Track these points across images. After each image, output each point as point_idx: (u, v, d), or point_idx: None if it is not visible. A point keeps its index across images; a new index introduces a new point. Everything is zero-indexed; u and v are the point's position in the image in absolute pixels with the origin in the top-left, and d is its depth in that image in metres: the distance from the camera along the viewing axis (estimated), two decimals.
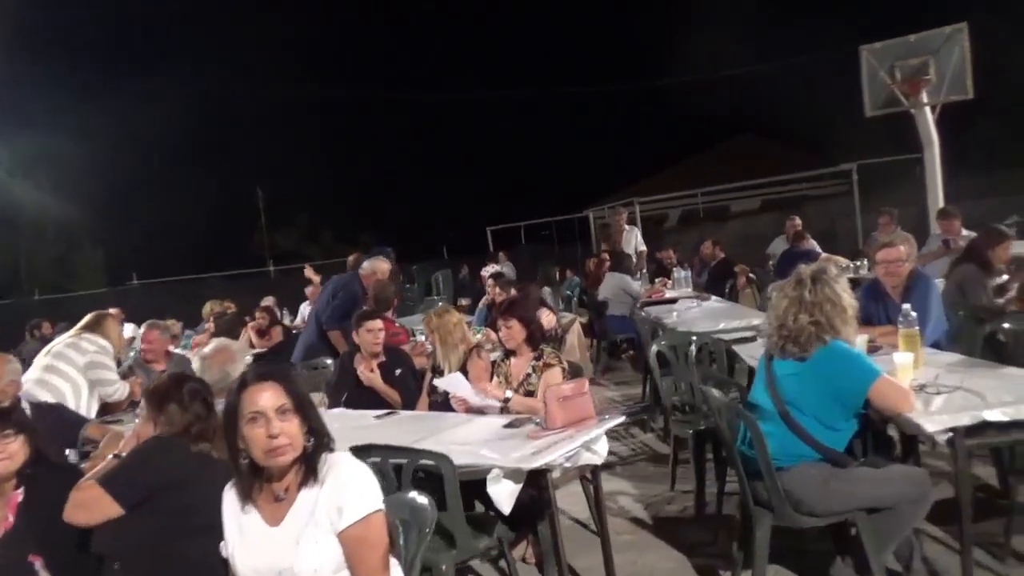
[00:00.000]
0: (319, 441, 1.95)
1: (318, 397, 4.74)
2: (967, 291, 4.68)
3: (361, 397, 4.44)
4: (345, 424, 3.72)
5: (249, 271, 18.84)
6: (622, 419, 3.27)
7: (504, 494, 2.71)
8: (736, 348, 4.38)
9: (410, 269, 14.88)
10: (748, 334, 5.43)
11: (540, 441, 2.96)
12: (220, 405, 3.05)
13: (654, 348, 4.46)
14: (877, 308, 4.12)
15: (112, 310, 4.73)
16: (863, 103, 9.86)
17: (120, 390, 4.44)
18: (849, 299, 2.86)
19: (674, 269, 8.79)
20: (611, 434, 5.88)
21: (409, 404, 4.37)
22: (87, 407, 4.31)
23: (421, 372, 4.68)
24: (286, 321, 10.44)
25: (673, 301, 7.93)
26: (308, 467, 1.94)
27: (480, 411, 3.62)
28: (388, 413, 3.91)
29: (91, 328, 4.54)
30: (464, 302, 10.82)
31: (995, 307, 4.50)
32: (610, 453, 5.42)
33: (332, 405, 4.54)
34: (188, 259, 18.80)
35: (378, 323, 4.54)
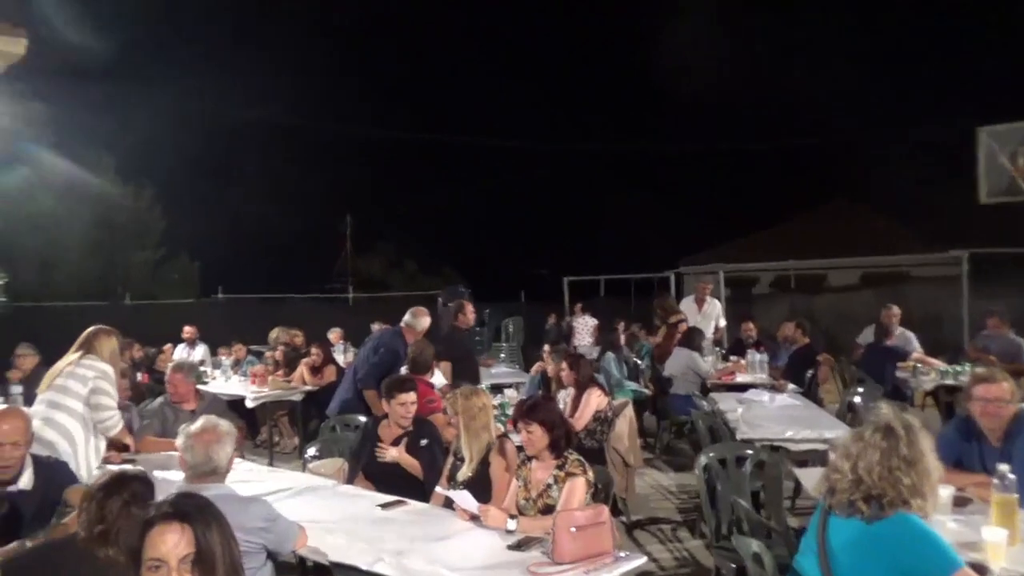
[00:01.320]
0: None
1: (338, 464, 4.50)
2: None
3: (381, 465, 4.17)
4: (345, 512, 3.44)
5: (330, 296, 19.13)
6: (643, 560, 2.82)
7: None
8: (800, 474, 3.83)
9: (482, 312, 14.68)
10: (820, 447, 4.85)
11: None
12: (202, 488, 2.84)
13: (702, 460, 3.97)
14: (970, 449, 3.51)
15: (104, 327, 4.47)
16: (977, 186, 9.05)
17: (114, 421, 4.23)
18: (937, 465, 2.38)
19: (749, 351, 8.16)
20: (655, 534, 5.46)
21: (430, 481, 4.08)
22: (95, 447, 4.18)
23: (447, 445, 4.37)
24: (350, 355, 10.37)
25: (744, 388, 7.34)
26: None
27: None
28: (396, 503, 3.58)
29: (86, 349, 4.30)
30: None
31: None
32: (650, 558, 5.02)
33: (352, 470, 4.29)
34: (272, 278, 19.32)
35: (411, 396, 4.28)
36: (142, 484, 2.33)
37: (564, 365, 5.75)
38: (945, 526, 2.97)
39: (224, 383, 8.50)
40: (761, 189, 31.84)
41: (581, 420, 5.46)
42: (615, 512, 5.64)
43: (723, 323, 9.71)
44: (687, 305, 10.09)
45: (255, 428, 8.45)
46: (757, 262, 17.24)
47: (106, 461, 4.38)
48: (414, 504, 3.58)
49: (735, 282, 21.56)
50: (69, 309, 14.50)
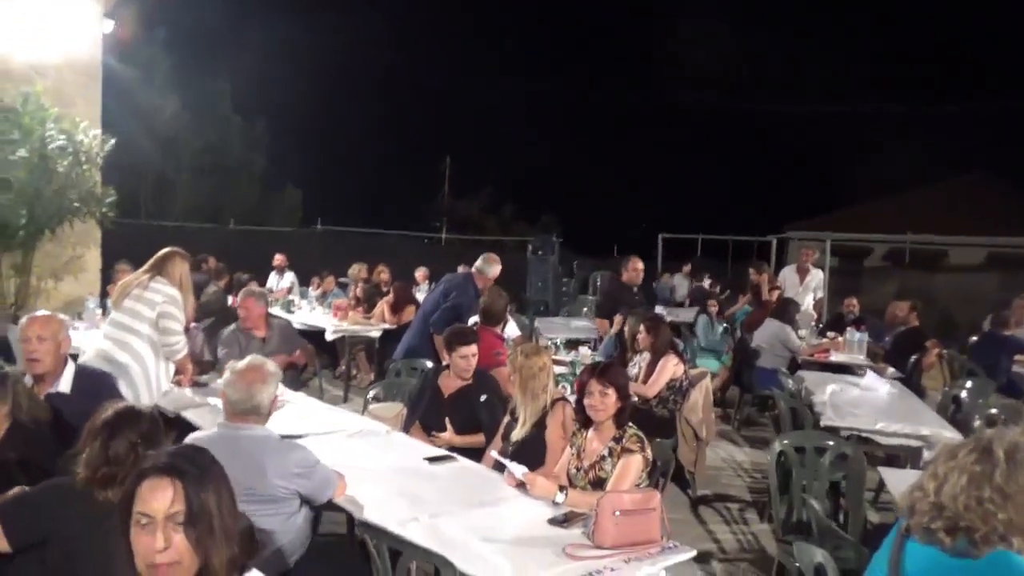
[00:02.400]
0: (214, 570, 1.52)
1: (397, 410, 4.45)
2: None
3: (438, 416, 4.08)
4: (392, 463, 3.36)
5: (424, 235, 19.32)
6: (690, 554, 2.59)
7: None
8: (886, 473, 3.47)
9: (571, 263, 14.45)
10: (914, 443, 4.42)
11: (576, 564, 2.38)
12: (243, 429, 2.80)
13: (776, 446, 3.66)
14: None
15: (178, 249, 4.44)
16: None
17: (180, 346, 4.25)
18: None
19: (848, 329, 7.59)
20: (720, 512, 5.20)
21: (489, 436, 3.96)
22: (165, 369, 4.25)
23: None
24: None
25: (838, 367, 6.85)
26: None
27: None
28: (444, 458, 3.47)
29: (157, 270, 4.29)
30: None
31: None
32: (712, 538, 4.78)
33: (409, 418, 4.23)
34: (371, 214, 19.66)
35: (472, 348, 4.14)
36: (151, 424, 2.26)
37: (642, 328, 5.47)
38: None
39: (309, 313, 8.68)
40: (887, 155, 29.58)
41: (654, 387, 5.20)
42: (682, 486, 5.42)
43: (822, 295, 9.09)
44: (788, 273, 9.51)
45: (335, 359, 8.61)
46: (870, 232, 16.08)
47: (177, 384, 4.49)
48: (463, 462, 3.46)
49: (845, 252, 20.35)
50: (179, 230, 15.21)
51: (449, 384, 4.19)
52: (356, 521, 2.74)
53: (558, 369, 5.65)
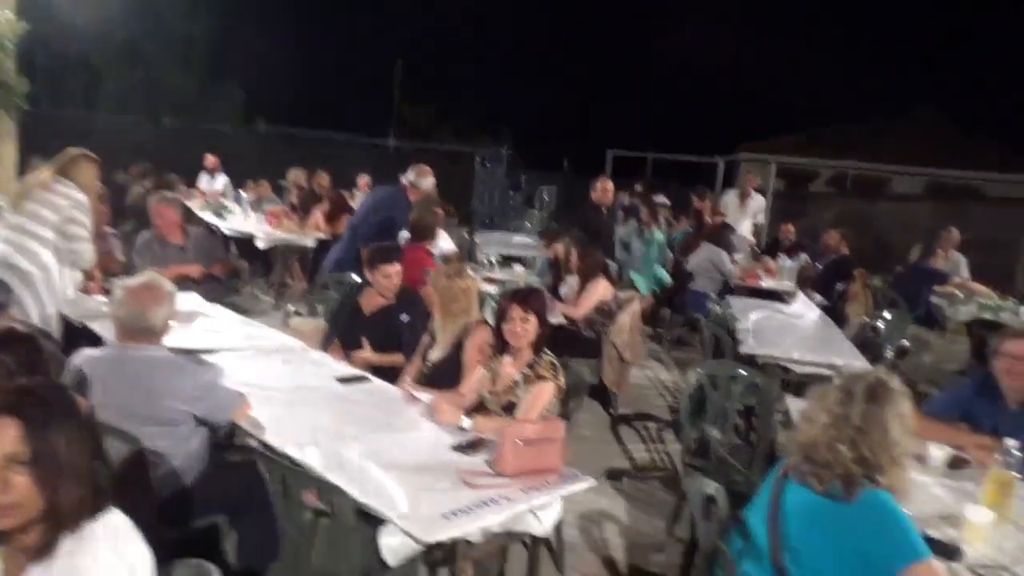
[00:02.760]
0: (61, 512, 1.44)
1: (319, 324, 4.36)
2: None
3: (358, 334, 4.00)
4: (301, 382, 3.30)
5: (372, 141, 18.68)
6: (588, 484, 2.62)
7: (395, 550, 2.18)
8: (791, 402, 3.56)
9: (518, 175, 14.22)
10: (825, 372, 4.54)
11: (473, 493, 2.38)
12: (133, 349, 2.67)
13: (692, 377, 3.71)
14: (984, 407, 3.17)
15: (86, 152, 4.13)
16: None
17: (88, 254, 4.03)
18: (905, 436, 2.03)
19: (780, 256, 7.70)
20: (639, 431, 5.34)
21: (409, 356, 3.92)
22: (70, 277, 4.05)
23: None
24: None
25: (768, 293, 6.98)
26: (44, 539, 1.45)
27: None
28: (357, 378, 3.42)
29: (62, 172, 4.03)
30: None
31: None
32: (627, 456, 4.92)
33: (328, 336, 4.15)
34: (317, 116, 18.82)
35: (395, 267, 4.04)
36: (31, 349, 2.13)
37: (573, 251, 5.44)
38: (930, 490, 2.71)
39: (241, 220, 8.40)
40: (840, 83, 29.52)
41: (581, 309, 5.21)
42: (605, 405, 5.53)
43: (762, 220, 9.17)
44: (730, 198, 9.56)
45: (269, 268, 8.40)
46: (816, 157, 16.20)
47: (85, 291, 4.31)
48: (376, 383, 3.42)
49: (791, 176, 20.52)
50: (108, 124, 14.39)
51: (371, 302, 4.10)
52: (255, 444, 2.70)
53: (490, 288, 5.63)
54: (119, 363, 2.55)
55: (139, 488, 2.53)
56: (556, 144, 19.27)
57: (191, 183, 10.13)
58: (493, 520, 2.28)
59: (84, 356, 2.61)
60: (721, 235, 7.25)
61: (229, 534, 2.82)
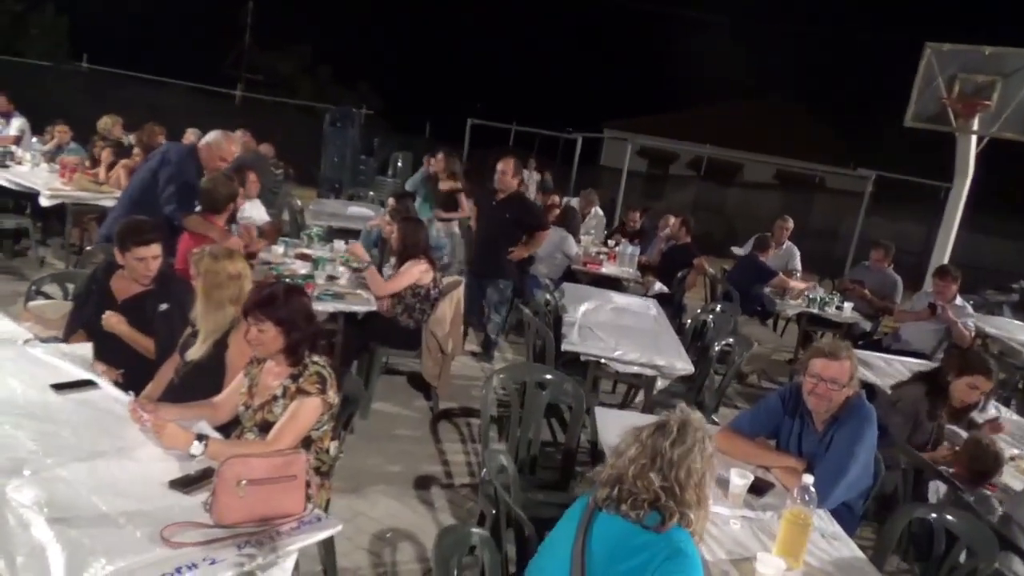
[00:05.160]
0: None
1: (64, 310, 3.62)
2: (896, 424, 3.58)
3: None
4: (5, 388, 2.62)
5: (216, 90, 17.15)
6: (334, 530, 2.16)
7: None
8: (599, 413, 3.24)
9: (371, 139, 13.42)
10: (648, 372, 4.32)
11: (168, 553, 1.86)
12: None
13: (495, 381, 3.32)
14: (790, 425, 2.99)
15: None
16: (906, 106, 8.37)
17: None
18: (708, 478, 1.92)
19: (622, 242, 7.54)
20: (460, 428, 4.96)
21: (161, 356, 3.29)
22: None
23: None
24: None
25: (608, 281, 6.78)
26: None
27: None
28: (77, 384, 2.77)
29: None
30: None
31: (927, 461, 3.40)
32: (442, 459, 4.50)
33: (71, 321, 3.43)
34: (154, 57, 17.04)
35: (152, 249, 3.36)
36: None
37: (395, 226, 4.93)
38: (727, 525, 2.45)
39: (27, 170, 7.22)
40: (704, 67, 30.31)
41: (386, 287, 4.70)
42: (427, 398, 5.11)
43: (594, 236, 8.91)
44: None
45: (63, 224, 7.28)
46: (676, 139, 16.47)
47: None
48: (103, 390, 2.77)
49: (654, 157, 20.88)
50: None
51: (123, 287, 3.41)
52: None
53: (301, 268, 5.03)
54: None
55: None
56: (418, 109, 18.55)
57: None
58: None
59: None
60: (569, 218, 6.97)
61: None
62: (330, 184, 12.41)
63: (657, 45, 32.75)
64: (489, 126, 14.34)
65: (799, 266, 7.74)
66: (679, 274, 7.13)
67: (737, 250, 8.19)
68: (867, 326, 6.83)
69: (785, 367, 6.92)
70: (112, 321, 3.25)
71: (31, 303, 3.69)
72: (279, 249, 5.33)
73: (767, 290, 6.87)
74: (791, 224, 7.96)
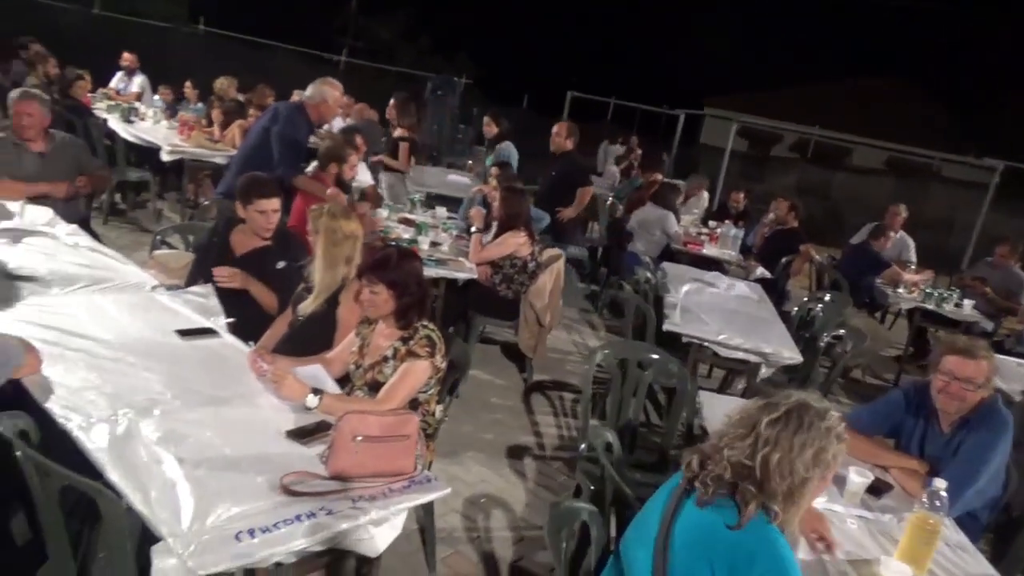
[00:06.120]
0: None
1: (186, 259, 3.78)
2: None
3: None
4: (130, 332, 2.75)
5: (322, 55, 17.53)
6: (442, 492, 2.18)
7: None
8: (705, 397, 3.15)
9: (470, 109, 13.44)
10: (753, 359, 4.17)
11: (288, 504, 1.91)
12: None
13: (598, 357, 3.27)
14: (912, 425, 2.82)
15: None
16: None
17: None
18: (810, 474, 1.65)
19: (725, 223, 7.29)
20: (552, 400, 4.94)
21: (278, 311, 3.39)
22: None
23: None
24: None
25: (708, 262, 6.58)
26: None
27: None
28: (200, 331, 2.88)
29: None
30: None
31: None
32: (535, 431, 4.51)
33: (193, 272, 3.57)
34: (266, 22, 17.54)
35: (273, 203, 3.46)
36: None
37: (498, 195, 4.91)
38: (844, 524, 2.33)
39: (149, 126, 7.59)
40: (809, 43, 28.76)
41: (484, 255, 4.73)
42: (521, 369, 5.11)
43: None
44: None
45: (179, 179, 7.62)
46: (780, 120, 15.77)
47: None
48: (224, 339, 2.89)
49: (755, 137, 20.12)
50: (30, 5, 13.05)
51: (243, 241, 3.53)
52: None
53: (404, 233, 5.09)
54: None
55: None
56: (517, 80, 18.42)
57: (105, 83, 9.21)
58: (304, 543, 1.81)
59: None
60: (665, 196, 6.79)
61: (18, 512, 2.31)
62: (428, 152, 12.52)
63: (762, 18, 31.30)
64: (588, 99, 14.12)
65: (914, 257, 7.31)
66: (783, 260, 6.85)
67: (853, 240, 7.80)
68: (988, 326, 6.39)
69: (893, 364, 6.59)
70: (226, 274, 3.33)
71: (156, 252, 3.87)
72: (383, 213, 5.41)
73: (878, 281, 6.53)
74: (905, 212, 7.52)
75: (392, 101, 7.57)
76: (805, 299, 5.65)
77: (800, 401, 1.70)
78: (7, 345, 2.20)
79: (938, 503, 2.12)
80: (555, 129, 6.44)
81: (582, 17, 35.06)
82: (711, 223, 7.82)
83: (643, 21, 33.56)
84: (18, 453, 1.81)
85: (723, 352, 4.18)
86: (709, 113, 16.86)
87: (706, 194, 9.17)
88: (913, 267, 6.96)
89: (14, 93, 4.27)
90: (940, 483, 2.16)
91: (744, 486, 1.64)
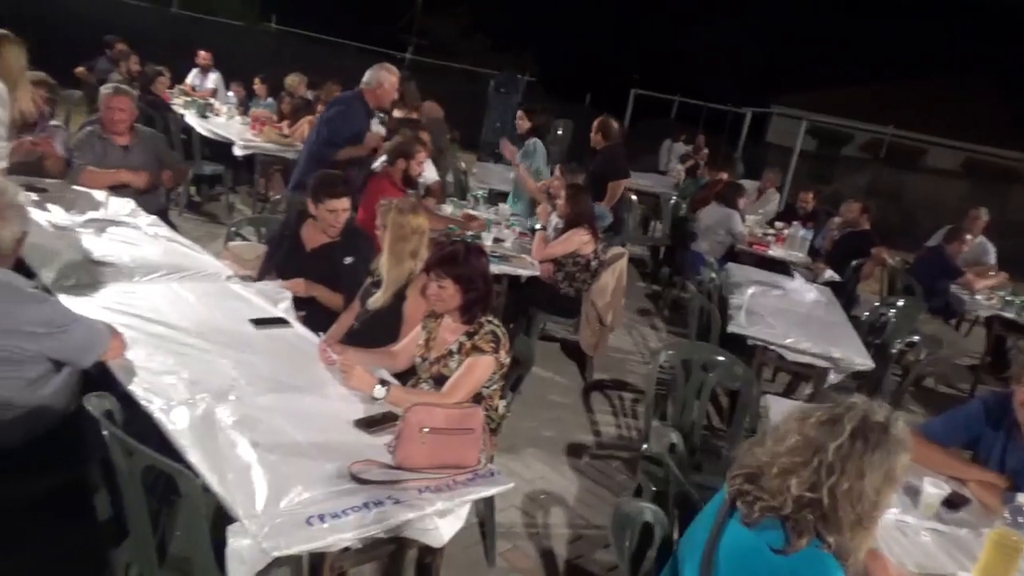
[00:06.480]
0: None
1: (258, 252, 3.89)
2: None
3: (296, 270, 3.53)
4: (206, 320, 2.85)
5: (386, 52, 17.78)
6: (506, 487, 2.19)
7: (242, 556, 1.76)
8: (771, 402, 3.09)
9: (535, 108, 13.44)
10: (822, 364, 4.07)
11: (356, 491, 1.95)
12: None
13: (662, 357, 3.23)
14: (992, 438, 2.70)
15: (8, 34, 3.45)
16: None
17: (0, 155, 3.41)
18: (883, 496, 1.55)
19: (794, 224, 7.11)
20: (612, 400, 4.91)
21: (345, 305, 3.47)
22: None
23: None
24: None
25: (774, 264, 6.44)
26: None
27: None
28: (273, 321, 2.97)
29: None
30: None
31: None
32: (593, 430, 4.49)
33: (264, 265, 3.67)
34: (334, 19, 17.90)
35: (343, 203, 3.53)
36: None
37: (564, 193, 4.90)
38: (917, 537, 2.26)
39: (223, 121, 7.84)
40: (882, 40, 27.71)
41: (548, 251, 4.74)
42: (581, 368, 5.09)
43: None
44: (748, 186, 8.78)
45: (251, 173, 7.84)
46: (851, 119, 15.27)
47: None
48: (295, 329, 2.97)
49: (824, 136, 19.56)
50: (110, 3, 13.61)
51: (313, 236, 3.61)
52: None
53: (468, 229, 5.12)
54: None
55: None
56: (580, 77, 18.32)
57: (181, 79, 9.54)
58: (371, 529, 1.85)
59: None
60: (731, 195, 6.66)
61: (101, 489, 2.43)
62: (490, 148, 12.57)
63: (833, 14, 30.31)
64: (652, 97, 13.97)
65: (994, 262, 7.01)
66: (853, 263, 6.65)
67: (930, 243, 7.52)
68: None
69: (968, 373, 6.33)
70: (290, 285, 3.39)
71: (230, 243, 3.99)
72: (447, 209, 5.47)
73: (953, 287, 6.28)
74: (986, 216, 7.21)
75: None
76: (876, 304, 5.47)
77: (862, 415, 1.57)
78: (95, 329, 2.31)
79: (1021, 519, 2.03)
80: (594, 124, 6.64)
81: (646, 14, 34.65)
82: (777, 224, 7.65)
83: (708, 17, 32.93)
84: (105, 432, 1.90)
85: (790, 356, 4.08)
86: (777, 111, 16.47)
87: (775, 192, 8.97)
88: (994, 274, 6.68)
89: (106, 88, 4.46)
90: (1023, 498, 2.07)
91: (802, 515, 1.52)
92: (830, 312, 4.80)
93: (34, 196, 3.64)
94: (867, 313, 5.27)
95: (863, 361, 3.97)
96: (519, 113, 7.40)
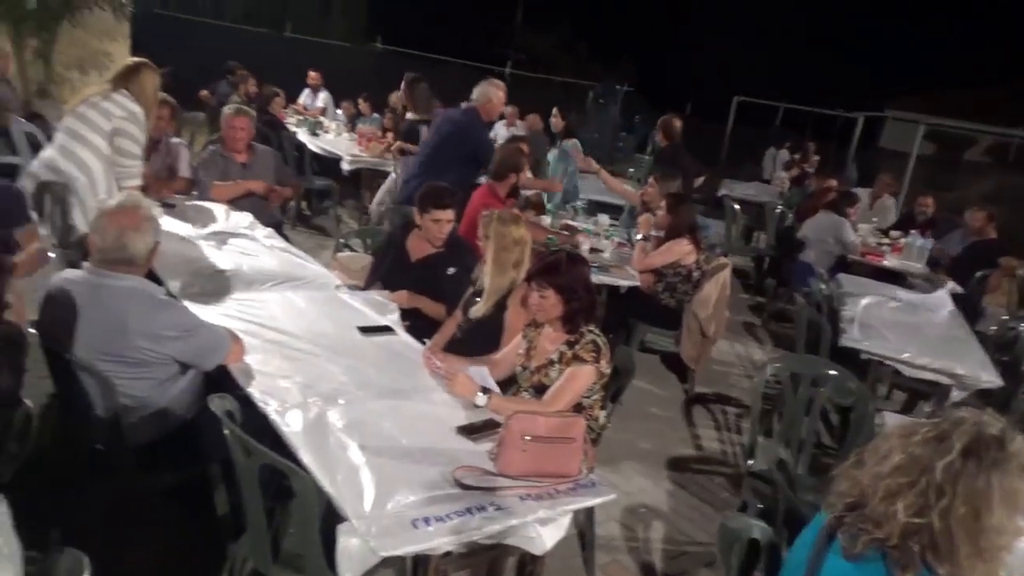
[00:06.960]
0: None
1: (366, 261, 4.03)
2: None
3: (401, 280, 3.64)
4: (316, 327, 2.97)
5: (487, 67, 18.11)
6: (608, 497, 2.17)
7: (351, 555, 1.82)
8: (889, 419, 2.92)
9: (631, 116, 13.35)
10: (944, 380, 3.82)
11: (457, 494, 1.98)
12: (107, 276, 2.37)
13: (768, 370, 3.12)
14: None
15: (148, 62, 3.85)
16: None
17: (134, 171, 3.75)
18: (1007, 522, 1.38)
19: (912, 232, 6.73)
20: (715, 414, 4.78)
21: (448, 314, 3.54)
22: (112, 189, 3.83)
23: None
24: None
25: (891, 275, 6.12)
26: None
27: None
28: (380, 329, 3.06)
29: (122, 82, 3.75)
30: None
31: None
32: (695, 444, 4.38)
33: (371, 275, 3.80)
34: (436, 37, 18.41)
35: (448, 213, 3.61)
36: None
37: (663, 203, 4.83)
38: None
39: (332, 138, 8.18)
40: (1006, 36, 25.88)
41: (649, 261, 4.69)
42: (682, 379, 4.99)
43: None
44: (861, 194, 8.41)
45: (356, 187, 8.14)
46: (973, 121, 14.31)
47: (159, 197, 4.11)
48: (400, 337, 3.05)
49: (944, 140, 18.42)
50: (229, 32, 14.51)
51: (417, 247, 3.71)
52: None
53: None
54: (94, 289, 2.29)
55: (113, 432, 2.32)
56: (680, 86, 18.05)
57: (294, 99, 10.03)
58: (475, 534, 1.87)
59: (62, 277, 2.37)
60: (841, 204, 6.38)
61: (220, 486, 2.57)
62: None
63: (948, 11, 28.61)
64: (755, 103, 13.58)
65: None
66: (978, 274, 6.22)
67: None
68: None
69: None
70: (393, 297, 3.48)
71: (339, 254, 4.16)
72: (546, 219, 5.49)
73: None
74: None
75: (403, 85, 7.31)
76: (1004, 318, 5.10)
77: (974, 430, 1.42)
78: (218, 334, 2.45)
79: None
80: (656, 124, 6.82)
81: (747, 21, 33.83)
82: (893, 233, 7.26)
83: (814, 21, 31.80)
84: (226, 432, 2.01)
85: (908, 372, 3.86)
86: (892, 115, 15.65)
87: (890, 198, 8.53)
88: None
89: (228, 109, 4.76)
90: None
91: (907, 545, 1.39)
92: (953, 326, 4.50)
93: (164, 210, 3.92)
94: (994, 327, 4.92)
95: (990, 378, 3.70)
96: (553, 112, 7.47)
